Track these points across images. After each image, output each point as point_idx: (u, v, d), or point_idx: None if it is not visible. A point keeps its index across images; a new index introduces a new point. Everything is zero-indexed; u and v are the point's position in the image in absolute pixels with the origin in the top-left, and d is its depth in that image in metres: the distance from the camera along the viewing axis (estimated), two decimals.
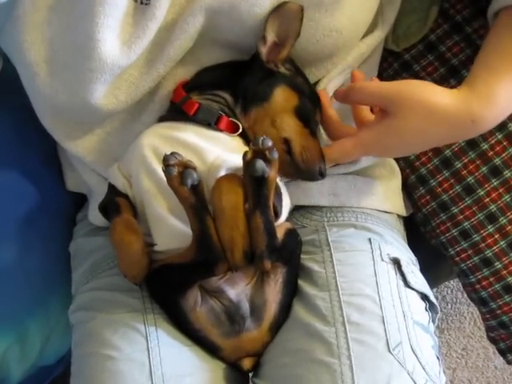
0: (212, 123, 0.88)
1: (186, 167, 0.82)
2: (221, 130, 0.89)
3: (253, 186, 0.81)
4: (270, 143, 0.81)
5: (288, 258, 0.89)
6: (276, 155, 0.81)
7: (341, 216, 0.99)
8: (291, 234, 0.90)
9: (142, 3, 0.88)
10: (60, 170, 1.13)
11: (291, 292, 0.92)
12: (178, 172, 0.81)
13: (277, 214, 0.86)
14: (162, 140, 0.88)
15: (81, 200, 1.15)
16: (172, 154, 0.82)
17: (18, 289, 1.05)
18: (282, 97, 0.90)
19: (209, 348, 0.90)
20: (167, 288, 0.89)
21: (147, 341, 0.88)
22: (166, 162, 0.81)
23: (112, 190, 0.92)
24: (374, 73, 1.06)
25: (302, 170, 0.89)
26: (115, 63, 0.88)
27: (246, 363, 0.90)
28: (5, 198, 1.03)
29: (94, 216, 1.04)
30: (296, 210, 1.02)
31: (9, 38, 0.94)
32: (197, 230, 0.83)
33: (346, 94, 0.88)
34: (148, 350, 0.88)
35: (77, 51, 0.89)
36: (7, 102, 1.06)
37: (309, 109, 0.91)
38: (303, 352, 0.85)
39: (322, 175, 0.89)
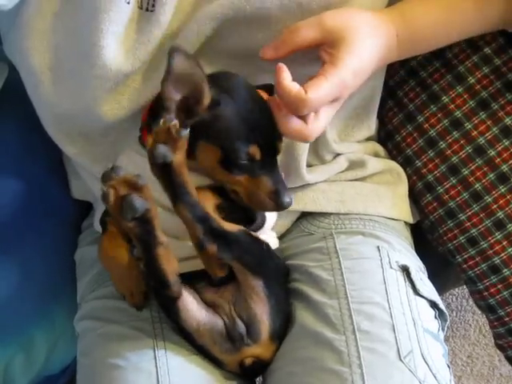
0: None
1: (132, 188, 0.74)
2: None
3: (161, 176, 0.75)
4: (174, 120, 0.73)
5: (243, 256, 0.83)
6: (184, 133, 0.73)
7: (349, 223, 0.99)
8: (251, 237, 0.85)
9: (147, 10, 0.88)
10: (65, 178, 1.13)
11: (281, 300, 0.89)
12: (115, 198, 0.73)
13: (253, 217, 0.86)
14: (138, 167, 0.85)
15: (86, 208, 1.15)
16: (112, 169, 0.74)
17: (23, 298, 1.04)
18: (203, 155, 0.82)
19: (213, 361, 0.89)
20: (163, 310, 0.90)
21: (154, 350, 0.88)
22: (103, 182, 0.74)
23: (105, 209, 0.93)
24: (380, 79, 1.05)
25: (259, 211, 0.87)
26: (119, 70, 0.88)
27: (248, 360, 0.88)
28: (10, 206, 1.02)
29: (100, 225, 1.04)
30: (303, 217, 1.02)
31: (13, 45, 0.94)
32: (144, 259, 0.81)
33: (280, 44, 0.84)
34: (155, 360, 0.87)
35: (81, 58, 0.89)
36: (13, 110, 1.06)
37: (236, 155, 0.80)
38: (313, 361, 0.85)
39: (281, 207, 0.82)
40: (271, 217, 0.92)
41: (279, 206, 0.82)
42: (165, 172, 0.74)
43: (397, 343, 0.84)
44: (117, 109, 0.90)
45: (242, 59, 0.91)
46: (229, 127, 0.81)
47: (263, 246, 0.87)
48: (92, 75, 0.88)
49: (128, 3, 0.86)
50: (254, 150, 0.81)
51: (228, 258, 0.81)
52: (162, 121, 0.73)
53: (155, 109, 0.86)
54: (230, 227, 0.81)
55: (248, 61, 0.89)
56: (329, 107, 0.85)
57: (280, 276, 0.92)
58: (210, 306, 0.87)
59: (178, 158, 0.74)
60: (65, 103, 0.92)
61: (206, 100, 0.79)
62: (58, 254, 1.09)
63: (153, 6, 0.87)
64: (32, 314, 1.06)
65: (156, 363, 0.86)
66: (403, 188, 1.07)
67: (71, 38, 0.89)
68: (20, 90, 0.96)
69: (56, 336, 1.09)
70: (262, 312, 0.86)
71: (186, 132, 0.74)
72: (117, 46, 0.87)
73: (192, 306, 0.86)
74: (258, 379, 1.00)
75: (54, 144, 1.00)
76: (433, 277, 1.01)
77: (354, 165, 1.04)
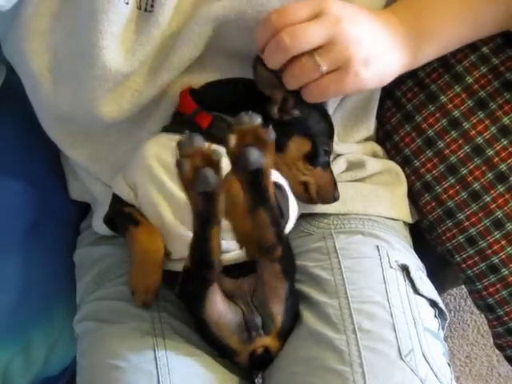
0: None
1: (207, 162, 0.69)
2: None
3: (248, 182, 0.72)
4: (259, 119, 0.68)
5: (284, 260, 0.83)
6: (273, 135, 0.69)
7: (348, 223, 0.99)
8: (288, 241, 0.86)
9: (146, 10, 0.88)
10: (64, 178, 1.12)
11: (293, 301, 0.90)
12: (190, 168, 0.69)
13: (282, 215, 0.84)
14: (167, 150, 0.86)
15: (85, 208, 1.14)
16: (190, 138, 0.69)
17: (22, 298, 1.03)
18: (295, 148, 0.91)
19: (225, 352, 0.88)
20: (187, 300, 0.89)
21: (155, 351, 0.87)
22: (180, 150, 0.70)
23: (117, 200, 0.91)
24: None
25: (317, 203, 0.95)
26: (119, 71, 0.88)
27: (259, 350, 0.87)
28: (8, 207, 1.02)
29: (99, 225, 1.03)
30: (303, 217, 1.01)
31: (12, 47, 0.94)
32: (196, 236, 0.78)
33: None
34: (156, 360, 0.86)
35: (80, 59, 0.89)
36: (11, 110, 1.06)
37: (320, 150, 0.92)
38: (315, 360, 0.84)
39: (335, 200, 0.95)
40: (293, 214, 0.91)
41: (335, 198, 0.95)
42: (252, 176, 0.71)
43: (397, 342, 0.84)
44: (117, 110, 0.90)
45: (243, 59, 0.91)
46: (317, 123, 0.93)
47: (292, 251, 0.89)
48: (91, 76, 0.89)
49: (127, 4, 0.86)
50: (331, 144, 0.95)
51: (280, 257, 0.81)
52: (246, 117, 0.69)
53: (201, 94, 0.91)
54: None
55: (249, 59, 0.89)
56: (316, 22, 0.82)
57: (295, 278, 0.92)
58: (228, 296, 0.87)
59: (269, 162, 0.70)
60: (64, 104, 0.92)
61: (291, 101, 0.88)
62: (57, 254, 1.09)
63: (151, 6, 0.87)
64: (31, 314, 1.05)
65: (157, 364, 0.86)
66: (402, 188, 1.07)
67: (70, 39, 0.89)
68: (18, 90, 0.97)
69: (55, 337, 1.08)
70: (278, 312, 0.86)
71: (274, 134, 0.69)
72: (116, 46, 0.88)
73: (218, 297, 0.85)
74: (257, 380, 1.01)
75: (53, 144, 1.01)
76: (431, 277, 1.01)
77: (353, 166, 1.04)
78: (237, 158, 0.69)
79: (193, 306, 0.87)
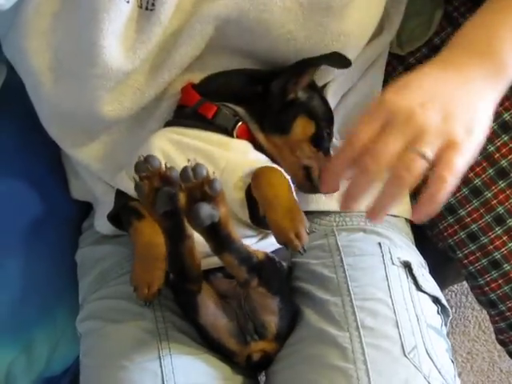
0: (229, 128, 0.88)
1: (166, 181, 0.70)
2: (236, 136, 0.88)
3: (206, 234, 0.74)
4: (204, 171, 0.68)
5: (269, 281, 0.83)
6: (218, 186, 0.69)
7: (350, 220, 0.99)
8: (272, 260, 0.86)
9: (147, 9, 0.88)
10: (65, 178, 1.12)
11: (289, 308, 0.89)
12: (149, 190, 0.70)
13: None
14: (172, 144, 0.87)
15: (87, 208, 1.13)
16: (146, 160, 0.70)
17: (25, 298, 1.03)
18: (300, 128, 0.91)
19: (224, 353, 0.88)
20: (181, 307, 0.90)
21: (159, 349, 0.87)
22: (137, 172, 0.70)
23: (121, 196, 0.91)
24: (379, 76, 1.05)
25: (318, 191, 0.92)
26: (120, 69, 0.88)
27: (255, 356, 0.88)
28: (11, 207, 1.02)
29: (101, 225, 1.03)
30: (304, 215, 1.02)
31: (13, 46, 0.94)
32: (170, 252, 0.79)
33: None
34: (160, 359, 0.86)
35: (81, 58, 0.89)
36: (12, 109, 1.06)
37: (324, 133, 0.92)
38: (318, 358, 0.84)
39: None
40: None
41: None
42: (209, 230, 0.72)
43: (401, 339, 0.84)
44: (119, 109, 0.90)
45: (244, 58, 0.92)
46: (320, 106, 0.93)
47: (279, 264, 0.87)
48: (92, 75, 0.88)
49: (127, 2, 0.86)
50: (332, 129, 0.95)
51: (259, 284, 0.82)
52: (190, 173, 0.68)
53: (204, 86, 0.91)
54: (260, 255, 0.82)
55: (250, 58, 0.91)
56: (390, 130, 0.73)
57: (288, 286, 0.92)
58: (223, 296, 0.87)
59: (224, 212, 0.71)
60: (65, 103, 0.92)
61: (305, 81, 0.90)
62: (59, 254, 1.08)
63: (153, 4, 0.87)
64: (33, 314, 1.05)
65: (160, 363, 0.86)
66: None
67: (71, 37, 0.89)
68: (19, 89, 0.96)
69: (58, 336, 1.08)
70: (271, 321, 0.86)
71: (219, 184, 0.69)
72: (117, 45, 0.88)
73: (210, 302, 0.86)
74: (260, 378, 1.01)
75: (54, 143, 1.01)
76: (433, 273, 1.01)
77: None
78: (189, 216, 0.70)
79: (187, 314, 0.88)
